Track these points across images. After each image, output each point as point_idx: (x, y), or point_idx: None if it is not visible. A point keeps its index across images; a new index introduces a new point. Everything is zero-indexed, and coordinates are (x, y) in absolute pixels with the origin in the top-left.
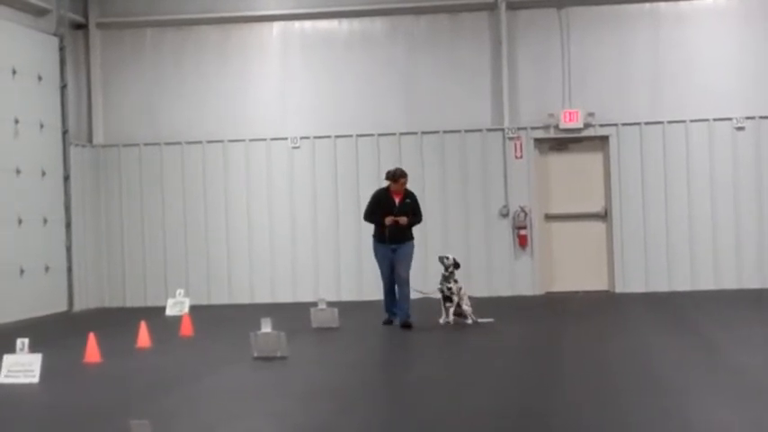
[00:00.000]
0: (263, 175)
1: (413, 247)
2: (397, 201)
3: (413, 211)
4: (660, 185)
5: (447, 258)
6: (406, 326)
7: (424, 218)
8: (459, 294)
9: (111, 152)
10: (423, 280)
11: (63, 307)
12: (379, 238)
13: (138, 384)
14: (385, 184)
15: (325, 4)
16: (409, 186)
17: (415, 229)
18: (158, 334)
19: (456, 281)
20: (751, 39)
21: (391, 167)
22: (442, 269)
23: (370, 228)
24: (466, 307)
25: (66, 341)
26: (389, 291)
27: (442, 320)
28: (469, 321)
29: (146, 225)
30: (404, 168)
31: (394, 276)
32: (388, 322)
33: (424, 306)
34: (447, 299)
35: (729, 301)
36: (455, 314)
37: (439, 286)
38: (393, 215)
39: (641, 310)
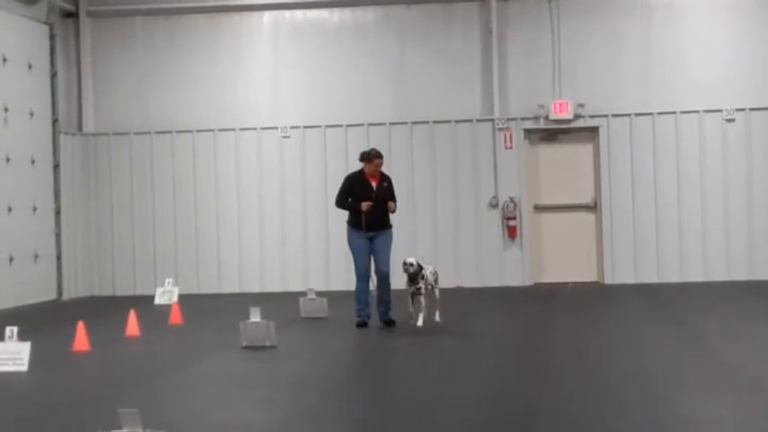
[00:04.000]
0: (252, 165)
1: (392, 236)
2: (374, 184)
3: (390, 195)
4: (650, 177)
5: (412, 266)
6: (389, 323)
7: (413, 207)
8: (432, 282)
9: (100, 141)
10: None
11: (52, 295)
12: (355, 224)
13: (127, 373)
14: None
15: None
16: (399, 176)
17: (403, 219)
18: (147, 323)
19: (423, 276)
20: (742, 31)
21: (365, 149)
22: (421, 266)
23: None
24: (437, 294)
25: (56, 329)
26: (365, 285)
27: (412, 322)
28: (437, 319)
29: (135, 214)
30: (380, 150)
31: (372, 268)
32: (363, 324)
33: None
34: (414, 295)
35: (718, 293)
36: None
37: (408, 285)
38: (371, 199)
39: (630, 302)
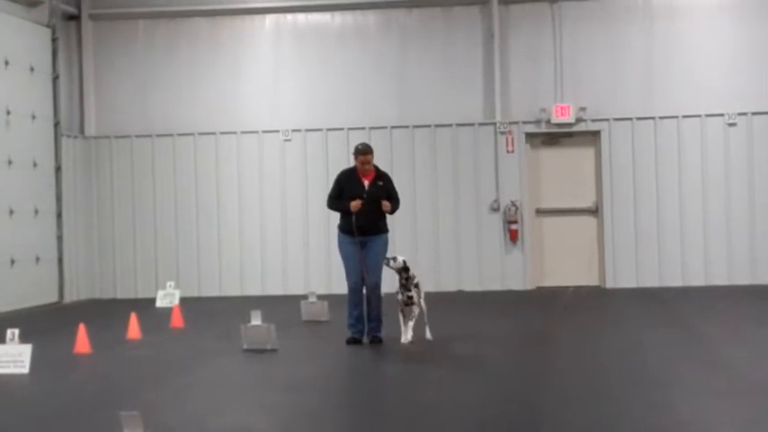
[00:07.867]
0: (254, 168)
1: (387, 242)
2: (366, 183)
3: (387, 194)
4: (652, 181)
5: (394, 260)
6: (376, 340)
7: (415, 211)
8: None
9: (102, 144)
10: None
11: (54, 298)
12: (345, 229)
13: (128, 376)
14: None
15: None
16: (400, 179)
17: (404, 223)
18: (148, 326)
19: (417, 285)
20: (744, 35)
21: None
22: (413, 272)
23: None
24: (423, 305)
25: (57, 332)
26: (357, 297)
27: (403, 339)
28: (429, 336)
29: (137, 217)
30: (370, 145)
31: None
32: (354, 341)
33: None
34: (406, 305)
35: (720, 297)
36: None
37: (399, 297)
38: (362, 200)
39: (632, 306)
